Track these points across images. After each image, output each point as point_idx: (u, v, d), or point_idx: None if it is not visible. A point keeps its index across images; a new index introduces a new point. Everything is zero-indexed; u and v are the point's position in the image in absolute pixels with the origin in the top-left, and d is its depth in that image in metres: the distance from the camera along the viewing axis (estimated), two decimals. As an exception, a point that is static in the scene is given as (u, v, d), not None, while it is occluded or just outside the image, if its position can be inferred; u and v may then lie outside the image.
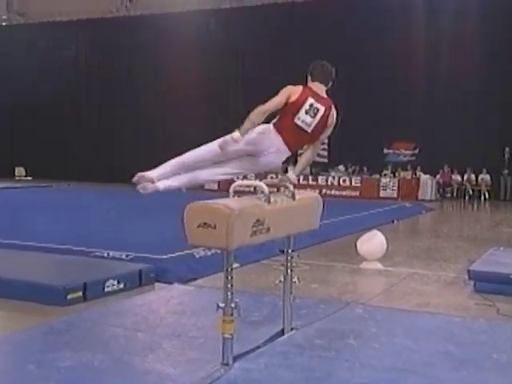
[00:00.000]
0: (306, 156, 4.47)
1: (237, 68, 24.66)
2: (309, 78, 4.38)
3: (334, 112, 4.38)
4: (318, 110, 4.29)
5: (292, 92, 4.25)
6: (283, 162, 4.46)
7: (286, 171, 4.45)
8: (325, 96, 4.38)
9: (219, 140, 4.23)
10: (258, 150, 4.25)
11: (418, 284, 6.98)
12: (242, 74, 24.49)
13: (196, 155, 4.34)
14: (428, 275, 7.45)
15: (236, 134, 4.13)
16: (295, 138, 4.28)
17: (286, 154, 4.33)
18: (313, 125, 4.29)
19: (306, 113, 4.26)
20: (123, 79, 25.99)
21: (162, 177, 4.37)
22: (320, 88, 4.36)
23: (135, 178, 4.37)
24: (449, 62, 21.42)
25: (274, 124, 4.28)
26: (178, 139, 23.94)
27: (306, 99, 4.26)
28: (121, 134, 25.90)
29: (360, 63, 21.85)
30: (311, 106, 4.27)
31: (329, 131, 4.43)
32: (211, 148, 4.29)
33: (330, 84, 4.43)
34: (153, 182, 4.32)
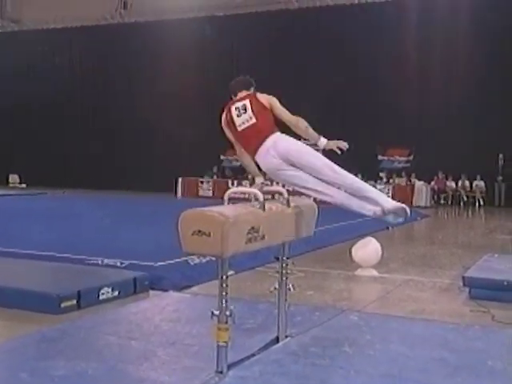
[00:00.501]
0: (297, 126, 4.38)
1: (232, 74, 24.66)
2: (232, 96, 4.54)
3: (261, 94, 4.46)
4: (244, 105, 4.40)
5: (223, 121, 4.46)
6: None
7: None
8: (244, 94, 4.49)
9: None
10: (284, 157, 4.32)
11: (413, 291, 6.99)
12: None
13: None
14: (423, 282, 7.46)
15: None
16: (250, 139, 4.34)
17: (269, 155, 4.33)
18: (249, 114, 4.36)
19: (238, 116, 4.39)
20: (118, 86, 26.04)
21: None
22: (240, 94, 4.50)
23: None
24: (443, 68, 21.53)
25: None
26: (175, 147, 24.31)
27: (229, 109, 4.44)
28: (117, 142, 25.91)
29: (354, 69, 21.97)
30: (236, 108, 4.42)
31: (277, 105, 4.40)
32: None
33: (251, 87, 4.53)
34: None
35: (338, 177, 4.32)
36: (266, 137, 4.31)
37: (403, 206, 4.40)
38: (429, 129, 21.49)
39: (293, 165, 4.31)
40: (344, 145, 4.42)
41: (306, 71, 22.92)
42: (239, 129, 4.37)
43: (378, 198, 4.37)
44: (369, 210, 4.36)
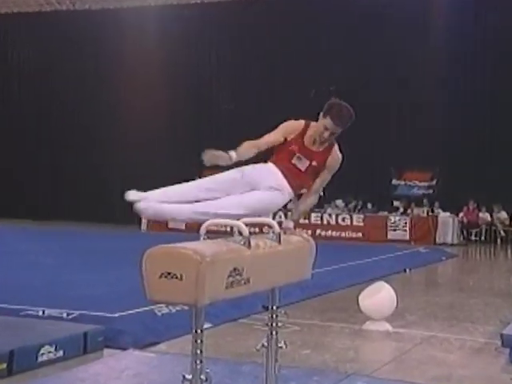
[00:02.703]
0: (306, 202, 4.82)
1: (207, 71, 24.94)
2: (321, 115, 4.70)
3: (335, 152, 4.74)
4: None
5: (291, 129, 4.68)
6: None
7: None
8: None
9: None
10: (258, 181, 4.57)
11: (436, 351, 7.00)
12: (214, 72, 24.75)
13: (186, 188, 4.69)
14: (449, 340, 7.48)
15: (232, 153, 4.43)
16: (294, 177, 4.65)
17: (289, 194, 4.69)
18: (306, 164, 4.68)
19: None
20: (65, 90, 26.08)
21: (163, 198, 4.59)
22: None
23: (133, 196, 4.46)
24: (475, 78, 21.82)
25: (271, 160, 4.68)
26: (138, 166, 24.34)
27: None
28: (63, 158, 25.89)
29: (361, 75, 22.26)
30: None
31: (327, 175, 4.78)
32: (205, 180, 4.71)
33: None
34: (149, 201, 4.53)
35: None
36: (295, 189, 4.73)
37: None
38: (457, 147, 21.69)
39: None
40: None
41: (302, 70, 23.16)
42: (293, 160, 4.66)
43: None
44: None
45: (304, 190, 4.84)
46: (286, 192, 4.67)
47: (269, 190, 4.60)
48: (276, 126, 4.70)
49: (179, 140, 24.44)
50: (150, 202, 4.54)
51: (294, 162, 4.66)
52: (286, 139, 4.65)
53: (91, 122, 25.49)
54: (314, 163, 4.68)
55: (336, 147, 4.76)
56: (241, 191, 4.61)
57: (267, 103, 22.75)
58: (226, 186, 4.63)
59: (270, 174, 4.63)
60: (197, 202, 4.60)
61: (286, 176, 4.64)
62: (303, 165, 4.67)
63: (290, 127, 4.68)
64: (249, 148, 4.54)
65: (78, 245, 15.97)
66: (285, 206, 4.90)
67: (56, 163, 25.97)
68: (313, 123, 4.69)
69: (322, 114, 4.65)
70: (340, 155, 4.78)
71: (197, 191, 4.65)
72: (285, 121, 4.73)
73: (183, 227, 21.47)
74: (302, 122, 4.70)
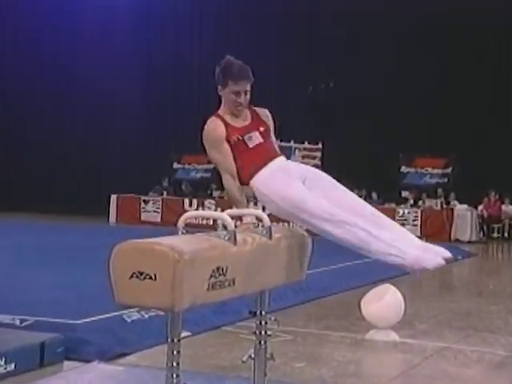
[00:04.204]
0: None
1: (190, 48, 25.09)
2: (220, 89, 4.91)
3: (258, 109, 4.96)
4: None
5: (217, 133, 4.79)
6: None
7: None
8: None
9: None
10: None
11: (450, 365, 7.02)
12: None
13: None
14: (465, 352, 7.50)
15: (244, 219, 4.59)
16: (269, 153, 4.85)
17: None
18: (256, 133, 4.87)
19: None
20: (22, 72, 26.17)
21: None
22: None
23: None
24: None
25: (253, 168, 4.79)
26: (106, 151, 24.58)
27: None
28: (21, 145, 25.99)
29: (365, 48, 22.35)
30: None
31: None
32: None
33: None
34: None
35: None
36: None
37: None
38: (475, 130, 21.74)
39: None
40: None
41: (303, 48, 23.24)
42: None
43: None
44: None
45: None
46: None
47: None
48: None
49: (155, 124, 24.67)
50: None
51: (251, 145, 4.76)
52: (228, 142, 4.71)
53: (56, 107, 25.59)
54: (261, 128, 4.81)
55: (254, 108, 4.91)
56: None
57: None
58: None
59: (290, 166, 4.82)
60: None
61: (267, 159, 4.76)
62: (257, 138, 4.79)
63: (215, 133, 4.72)
64: (237, 189, 4.66)
65: (35, 240, 15.91)
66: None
67: (10, 149, 26.02)
68: (221, 107, 4.83)
69: (219, 88, 4.80)
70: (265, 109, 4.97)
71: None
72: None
73: (158, 219, 21.50)
74: (214, 119, 4.76)
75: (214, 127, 4.72)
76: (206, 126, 4.76)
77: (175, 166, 24.06)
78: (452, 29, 22.36)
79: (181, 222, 4.01)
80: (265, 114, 4.93)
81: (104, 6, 25.66)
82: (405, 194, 22.35)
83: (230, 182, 4.66)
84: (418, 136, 21.92)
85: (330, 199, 4.71)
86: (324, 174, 4.90)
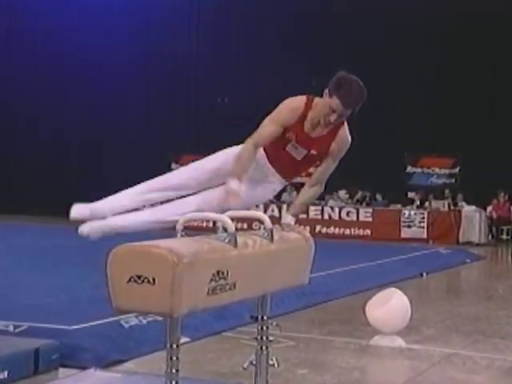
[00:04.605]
0: (306, 193, 4.86)
1: (187, 40, 25.15)
2: (326, 93, 4.66)
3: (343, 135, 4.77)
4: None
5: (291, 115, 4.67)
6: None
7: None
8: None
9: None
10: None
11: (459, 371, 7.02)
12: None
13: (159, 181, 4.85)
14: (474, 358, 7.50)
15: (233, 183, 4.48)
16: (286, 165, 4.78)
17: (280, 185, 4.89)
18: (303, 153, 4.74)
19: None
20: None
21: (116, 211, 4.73)
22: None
23: (76, 214, 4.67)
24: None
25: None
26: (101, 149, 24.68)
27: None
28: (10, 144, 26.01)
29: (368, 47, 22.39)
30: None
31: (331, 163, 4.81)
32: (182, 172, 4.89)
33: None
34: (103, 217, 4.71)
35: None
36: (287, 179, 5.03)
37: None
38: (483, 128, 21.75)
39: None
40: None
41: (304, 45, 23.28)
42: (287, 148, 4.74)
43: None
44: None
45: (304, 178, 4.90)
46: (278, 183, 4.83)
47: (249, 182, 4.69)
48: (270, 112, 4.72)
49: (153, 124, 24.76)
50: (94, 220, 4.68)
51: (288, 149, 4.71)
52: (287, 129, 4.66)
53: (54, 107, 25.69)
54: (312, 152, 4.71)
55: (345, 128, 4.74)
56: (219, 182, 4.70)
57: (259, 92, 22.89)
58: (202, 181, 4.75)
59: (257, 164, 4.71)
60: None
61: (273, 162, 4.74)
62: (299, 154, 4.72)
63: (289, 113, 4.64)
64: (250, 152, 4.59)
65: (29, 243, 15.93)
66: (278, 198, 5.00)
67: (7, 150, 26.10)
68: (316, 100, 4.66)
69: (327, 90, 4.59)
70: (349, 138, 4.78)
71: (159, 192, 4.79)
72: (284, 99, 4.70)
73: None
74: (302, 104, 4.65)
75: (293, 109, 4.64)
76: (293, 98, 4.68)
77: (173, 166, 24.03)
78: (455, 28, 22.38)
79: (180, 225, 4.02)
80: (341, 145, 4.76)
81: (101, 6, 25.73)
82: (411, 194, 22.36)
83: (252, 151, 4.60)
84: (425, 135, 21.95)
85: None
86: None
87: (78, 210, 4.73)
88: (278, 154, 4.72)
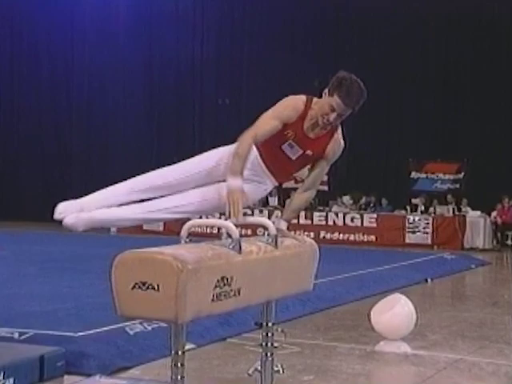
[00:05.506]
0: (301, 198, 4.80)
1: (190, 43, 25.18)
2: (326, 92, 4.64)
3: (337, 139, 4.73)
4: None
5: (292, 112, 4.61)
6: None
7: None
8: None
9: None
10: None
11: (464, 377, 7.00)
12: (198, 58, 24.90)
13: (147, 179, 4.80)
14: (480, 364, 7.48)
15: (232, 182, 4.39)
16: (278, 165, 4.71)
17: (271, 185, 4.83)
18: (298, 153, 4.68)
19: None
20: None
21: (99, 205, 4.71)
22: None
23: (59, 211, 4.61)
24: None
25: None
26: (105, 151, 24.67)
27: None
28: (18, 147, 26.05)
29: (373, 51, 22.41)
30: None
31: (325, 166, 4.80)
32: (172, 171, 4.84)
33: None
34: (84, 210, 4.68)
35: None
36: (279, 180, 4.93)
37: None
38: (487, 133, 21.74)
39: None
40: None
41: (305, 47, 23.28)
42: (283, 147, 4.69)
43: None
44: None
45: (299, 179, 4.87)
46: (268, 184, 4.78)
47: (249, 184, 4.62)
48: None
49: (156, 127, 24.80)
50: (80, 213, 4.63)
51: (283, 148, 4.65)
52: (286, 125, 4.60)
53: (55, 110, 25.71)
54: (308, 152, 4.67)
55: (339, 132, 4.73)
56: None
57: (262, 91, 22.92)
58: (195, 180, 4.73)
59: (249, 163, 4.61)
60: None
61: (267, 161, 4.67)
62: (294, 154, 4.67)
63: (290, 110, 4.60)
64: (247, 144, 4.49)
65: (36, 250, 15.94)
66: (265, 203, 4.96)
67: (11, 157, 26.13)
68: (316, 101, 4.63)
69: (327, 90, 4.58)
70: (343, 142, 4.75)
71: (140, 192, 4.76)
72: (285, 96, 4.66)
73: (161, 228, 21.48)
74: (302, 102, 4.63)
75: (294, 107, 4.59)
76: (294, 97, 4.65)
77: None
78: (463, 34, 22.39)
79: (184, 231, 4.02)
80: (336, 148, 4.73)
81: (104, 6, 25.70)
82: (415, 200, 22.31)
83: (250, 142, 4.51)
84: (429, 140, 21.92)
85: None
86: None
87: (60, 208, 4.69)
88: (272, 152, 4.66)
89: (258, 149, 4.63)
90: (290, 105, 4.61)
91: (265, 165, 4.69)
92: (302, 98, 4.64)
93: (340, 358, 7.58)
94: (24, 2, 26.05)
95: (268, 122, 4.58)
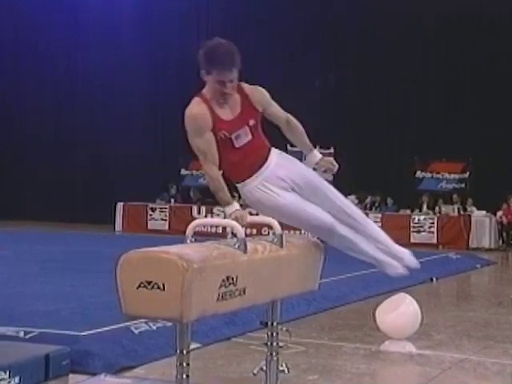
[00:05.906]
0: (293, 125, 4.88)
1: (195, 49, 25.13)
2: (203, 74, 4.70)
3: (247, 88, 4.72)
4: None
5: (202, 119, 4.61)
6: None
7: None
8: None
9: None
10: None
11: (470, 377, 6.99)
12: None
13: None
14: (485, 364, 7.46)
15: (229, 210, 4.43)
16: (251, 155, 4.67)
17: (271, 171, 4.76)
18: (246, 130, 4.69)
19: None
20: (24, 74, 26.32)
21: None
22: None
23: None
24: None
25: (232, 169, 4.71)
26: (112, 157, 24.67)
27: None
28: (21, 148, 26.08)
29: (378, 51, 22.40)
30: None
31: (273, 107, 4.81)
32: None
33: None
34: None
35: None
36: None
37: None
38: (492, 133, 21.72)
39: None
40: (335, 167, 4.82)
41: (313, 46, 23.30)
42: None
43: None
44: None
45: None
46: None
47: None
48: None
49: (161, 129, 24.84)
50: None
51: (237, 143, 4.58)
52: (213, 130, 4.52)
53: (60, 112, 25.75)
54: (251, 122, 4.62)
55: (244, 85, 4.66)
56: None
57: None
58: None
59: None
60: None
61: (244, 166, 4.60)
62: (247, 135, 4.61)
63: (199, 119, 4.52)
64: (221, 177, 4.51)
65: (38, 249, 15.94)
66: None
67: (13, 157, 26.15)
68: (206, 89, 4.59)
69: (203, 72, 4.56)
70: (256, 86, 4.73)
71: None
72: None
73: (166, 228, 21.48)
74: (197, 104, 4.56)
75: (200, 113, 4.50)
76: (189, 108, 4.53)
77: (183, 172, 23.96)
78: (466, 33, 22.37)
79: (189, 230, 4.02)
80: (258, 97, 4.68)
81: (108, 6, 25.71)
82: (420, 199, 22.29)
83: (215, 171, 4.49)
84: (434, 140, 21.87)
85: (320, 204, 4.66)
86: (313, 178, 4.75)
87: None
88: (238, 158, 4.59)
89: (229, 174, 4.64)
90: (193, 116, 4.52)
91: (252, 172, 4.61)
92: (195, 100, 4.57)
93: (345, 358, 7.57)
94: (26, 2, 26.07)
95: (198, 143, 4.52)
